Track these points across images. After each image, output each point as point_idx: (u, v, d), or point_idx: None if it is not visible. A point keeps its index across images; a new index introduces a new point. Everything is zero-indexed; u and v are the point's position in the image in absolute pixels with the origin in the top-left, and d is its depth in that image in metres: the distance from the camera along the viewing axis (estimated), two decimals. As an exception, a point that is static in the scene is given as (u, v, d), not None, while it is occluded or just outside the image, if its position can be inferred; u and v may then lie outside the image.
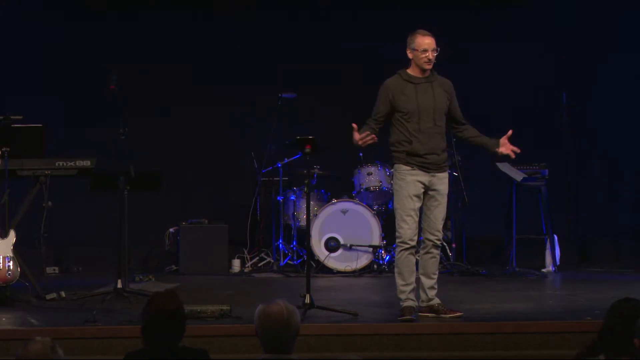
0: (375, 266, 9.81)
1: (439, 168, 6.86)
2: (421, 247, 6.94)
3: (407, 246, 6.78)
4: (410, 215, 6.76)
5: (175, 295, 4.25)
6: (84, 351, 6.10)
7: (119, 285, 7.58)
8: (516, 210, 9.92)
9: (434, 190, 6.82)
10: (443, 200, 6.87)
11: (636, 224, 11.06)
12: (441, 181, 6.86)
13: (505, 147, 6.98)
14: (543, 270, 9.82)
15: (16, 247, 7.63)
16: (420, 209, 6.87)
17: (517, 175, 9.88)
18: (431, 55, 6.82)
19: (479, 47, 10.99)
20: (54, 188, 7.95)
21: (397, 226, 6.85)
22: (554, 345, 6.29)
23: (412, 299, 6.78)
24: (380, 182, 10.01)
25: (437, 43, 6.86)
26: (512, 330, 6.37)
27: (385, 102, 6.92)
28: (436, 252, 6.89)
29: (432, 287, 6.88)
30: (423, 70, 6.87)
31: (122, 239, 7.73)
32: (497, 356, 6.21)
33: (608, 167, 11.17)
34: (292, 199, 10.14)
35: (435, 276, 6.91)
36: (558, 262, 9.94)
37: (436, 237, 6.85)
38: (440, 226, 6.86)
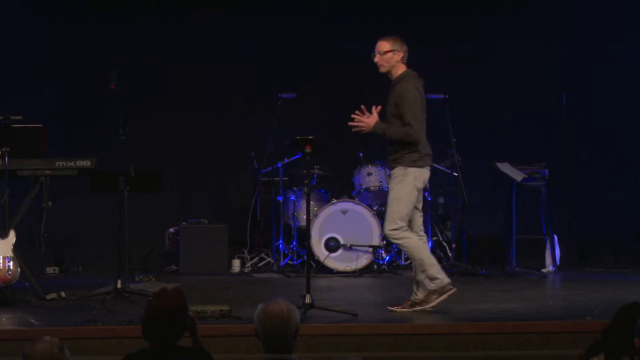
0: (375, 266, 9.81)
1: (390, 166, 7.20)
2: None
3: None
4: None
5: (181, 293, 4.25)
6: (84, 351, 6.10)
7: (119, 285, 7.58)
8: (516, 210, 9.91)
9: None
10: (389, 195, 7.10)
11: (636, 224, 11.07)
12: (390, 180, 7.22)
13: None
14: (543, 270, 9.82)
15: (16, 247, 7.62)
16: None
17: (517, 175, 9.88)
18: (376, 59, 7.16)
19: (479, 47, 10.99)
20: (54, 188, 7.95)
21: None
22: (554, 345, 6.29)
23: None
24: (380, 182, 10.01)
25: (388, 46, 7.13)
26: (512, 330, 6.37)
27: None
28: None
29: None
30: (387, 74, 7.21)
31: (122, 239, 7.72)
32: (497, 356, 6.21)
33: (608, 167, 11.17)
34: (292, 199, 10.14)
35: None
36: (558, 262, 9.93)
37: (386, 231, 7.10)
38: (386, 218, 7.06)
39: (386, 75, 7.20)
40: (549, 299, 8.21)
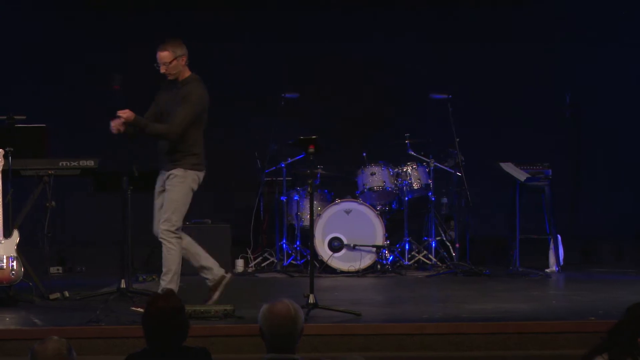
0: (378, 266, 9.81)
1: (166, 167, 7.29)
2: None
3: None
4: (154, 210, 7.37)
5: (174, 295, 4.24)
6: (87, 351, 6.11)
7: (122, 285, 7.58)
8: (520, 210, 9.90)
9: (164, 189, 7.27)
10: (167, 196, 7.23)
11: (639, 224, 11.05)
12: (167, 180, 7.25)
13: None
14: (546, 270, 9.81)
15: (20, 247, 7.63)
16: None
17: (521, 175, 9.87)
18: (162, 70, 7.31)
19: (482, 47, 10.98)
20: (57, 188, 7.95)
21: None
22: (557, 345, 6.28)
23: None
24: (384, 182, 10.00)
25: (167, 57, 7.33)
26: (515, 330, 6.36)
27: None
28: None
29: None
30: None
31: (126, 239, 7.73)
32: (500, 356, 6.21)
33: (611, 167, 11.16)
34: (296, 199, 10.14)
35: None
36: (562, 262, 9.92)
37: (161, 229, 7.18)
38: (164, 217, 7.18)
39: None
40: (552, 299, 8.21)
